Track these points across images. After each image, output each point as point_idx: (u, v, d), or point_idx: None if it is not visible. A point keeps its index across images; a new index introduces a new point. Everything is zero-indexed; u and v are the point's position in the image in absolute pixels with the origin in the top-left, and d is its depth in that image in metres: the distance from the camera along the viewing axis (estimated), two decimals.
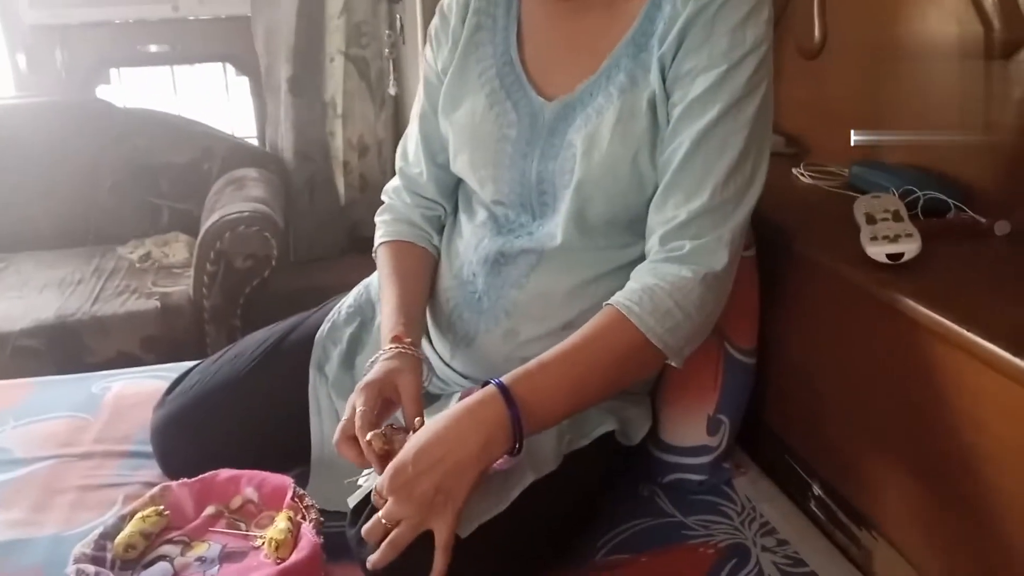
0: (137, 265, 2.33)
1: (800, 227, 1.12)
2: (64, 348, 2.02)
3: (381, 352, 1.00)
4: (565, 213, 1.01)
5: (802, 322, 1.09)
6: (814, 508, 1.08)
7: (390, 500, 0.84)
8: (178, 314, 2.12)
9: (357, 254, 2.76)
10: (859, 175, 1.21)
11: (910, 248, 0.93)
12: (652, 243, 0.97)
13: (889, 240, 0.95)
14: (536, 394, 0.89)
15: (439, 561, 0.84)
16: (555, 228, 1.03)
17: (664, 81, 0.96)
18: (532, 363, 0.91)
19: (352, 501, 0.95)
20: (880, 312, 0.92)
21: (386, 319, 1.07)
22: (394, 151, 2.72)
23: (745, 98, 0.94)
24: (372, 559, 0.85)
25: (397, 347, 1.00)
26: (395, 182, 1.23)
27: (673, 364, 0.96)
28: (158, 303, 2.12)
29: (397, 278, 1.12)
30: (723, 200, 0.94)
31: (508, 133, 1.05)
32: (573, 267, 1.04)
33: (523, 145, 1.04)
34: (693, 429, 1.12)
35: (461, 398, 0.97)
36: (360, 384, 0.96)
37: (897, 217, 0.99)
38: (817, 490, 1.07)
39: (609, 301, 0.94)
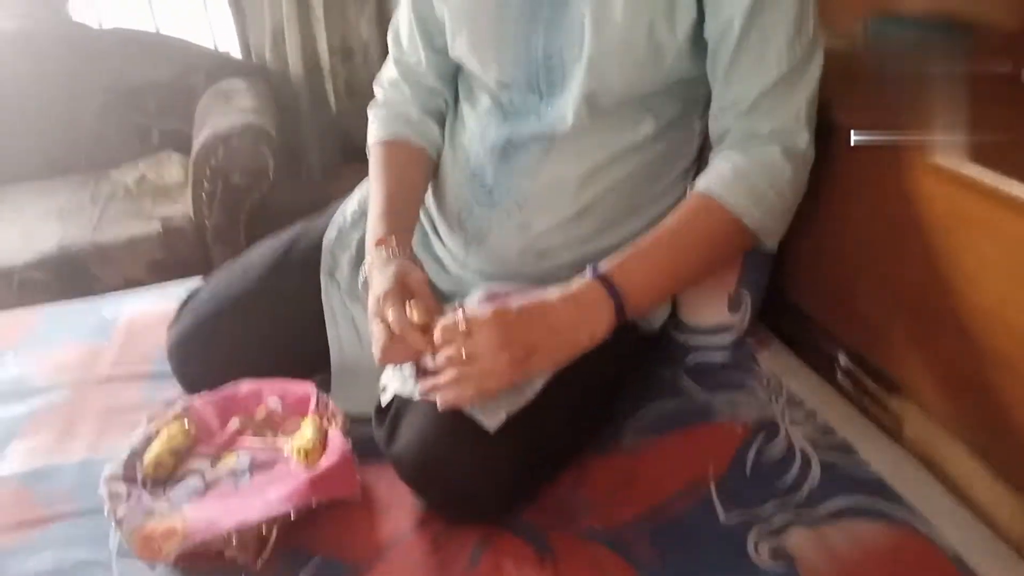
0: (133, 189, 2.29)
1: (819, 90, 1.07)
2: (70, 279, 2.00)
3: (371, 261, 0.99)
4: (576, 92, 0.97)
5: (824, 188, 1.05)
6: (840, 379, 1.07)
7: (482, 333, 0.84)
8: (181, 236, 2.09)
9: (355, 164, 2.69)
10: (878, 31, 1.14)
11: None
12: (725, 123, 0.96)
13: None
14: (633, 282, 0.89)
15: (460, 398, 0.85)
16: (565, 108, 0.99)
17: None
18: (627, 250, 0.91)
19: (386, 397, 0.94)
20: (908, 169, 0.89)
21: (371, 224, 1.04)
22: (381, 54, 2.64)
23: None
24: (444, 399, 0.86)
25: (385, 251, 0.98)
26: (390, 72, 1.18)
27: (767, 246, 0.97)
28: (160, 226, 2.09)
29: (385, 181, 1.09)
30: (791, 68, 0.92)
31: (508, 8, 0.99)
32: (585, 151, 1.00)
33: (526, 20, 0.98)
34: (714, 308, 1.10)
35: (486, 297, 0.95)
36: (376, 296, 0.93)
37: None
38: (843, 360, 1.06)
39: (701, 187, 0.93)
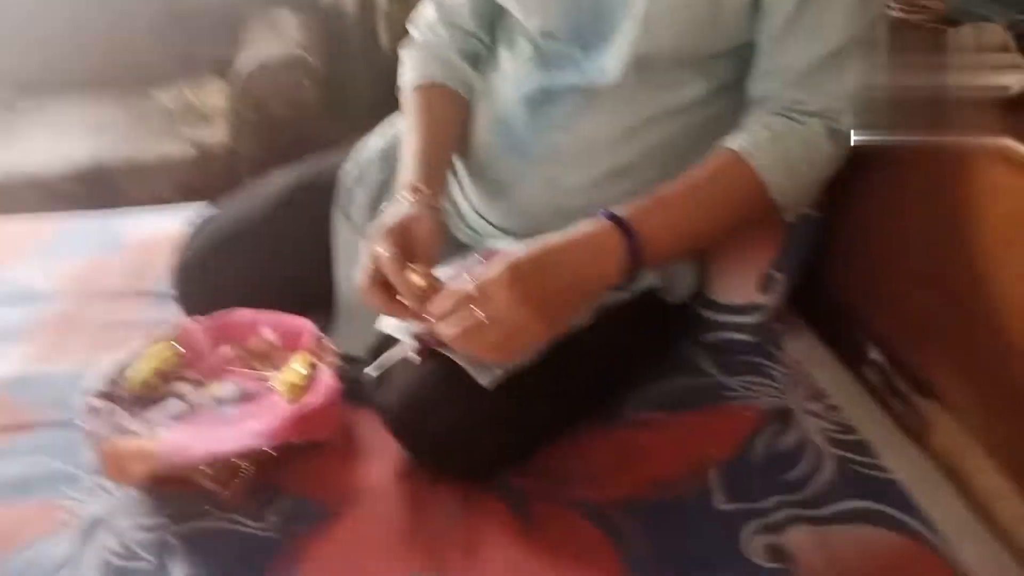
0: (172, 110, 2.27)
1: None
2: (100, 191, 1.99)
3: (395, 200, 0.94)
4: (624, 47, 0.90)
5: (881, 171, 0.98)
6: (868, 374, 1.00)
7: (499, 294, 0.77)
8: (214, 161, 2.06)
9: (397, 110, 2.65)
10: (958, 5, 1.05)
11: (1019, 80, 0.80)
12: (769, 88, 0.91)
13: (994, 72, 0.82)
14: (651, 229, 0.83)
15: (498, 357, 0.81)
16: (608, 63, 0.92)
17: None
18: (647, 198, 0.86)
19: (397, 353, 0.89)
20: (981, 156, 0.81)
21: (405, 168, 0.99)
22: None
23: None
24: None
25: (413, 197, 0.93)
26: (428, 13, 1.12)
27: (787, 219, 0.93)
28: (194, 149, 2.07)
29: (423, 126, 1.03)
30: (848, 40, 0.86)
31: None
32: (625, 108, 0.94)
33: None
34: (744, 286, 1.03)
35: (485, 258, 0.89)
36: (377, 229, 0.89)
37: (1005, 48, 0.86)
38: (874, 354, 0.98)
39: (733, 146, 0.88)
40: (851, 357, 1.02)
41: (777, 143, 0.86)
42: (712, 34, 0.90)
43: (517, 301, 0.77)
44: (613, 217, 0.83)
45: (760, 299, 1.04)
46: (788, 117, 0.88)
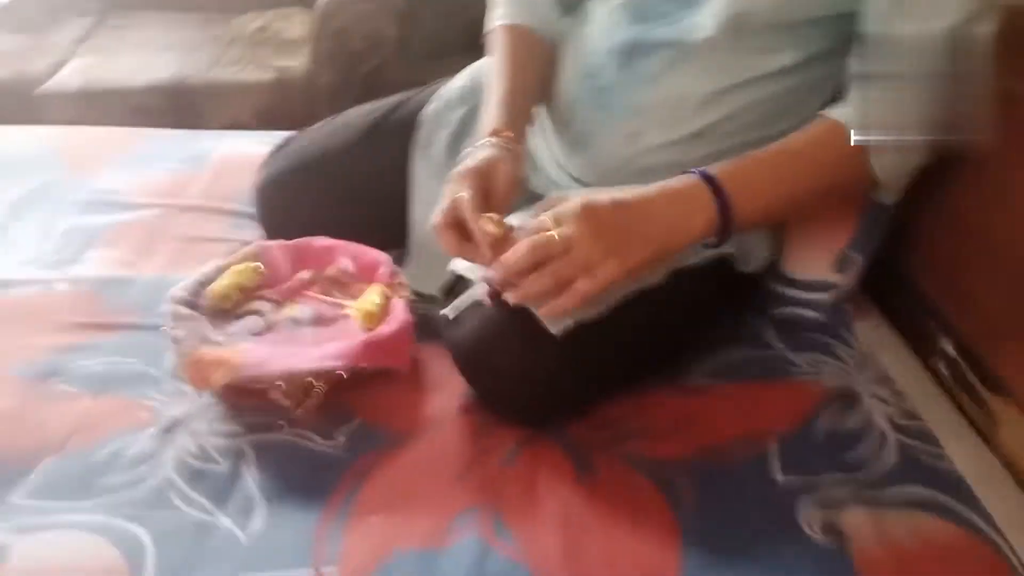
0: (254, 36, 2.29)
1: None
2: (180, 110, 2.04)
3: (478, 144, 0.93)
4: (722, 5, 0.89)
5: (969, 160, 0.95)
6: (939, 365, 0.98)
7: (573, 224, 0.77)
8: (293, 89, 2.09)
9: (474, 53, 2.63)
10: None
11: None
12: (878, 64, 0.86)
13: None
14: (743, 190, 0.82)
15: (568, 299, 0.78)
16: (704, 19, 0.91)
17: None
18: (741, 158, 0.85)
19: (476, 292, 0.88)
20: None
21: (488, 111, 0.98)
22: None
23: None
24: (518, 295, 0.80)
25: (495, 140, 0.92)
26: None
27: (884, 200, 0.91)
28: (274, 77, 2.09)
29: (508, 68, 1.02)
30: (961, 19, 0.82)
31: None
32: (715, 68, 0.93)
33: None
34: (819, 263, 1.02)
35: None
36: (457, 171, 0.89)
37: None
38: (947, 345, 0.97)
39: (836, 115, 0.86)
40: (922, 346, 1.01)
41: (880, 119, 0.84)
42: None
43: (590, 235, 0.76)
44: (705, 174, 0.83)
45: (834, 278, 1.02)
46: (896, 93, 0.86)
